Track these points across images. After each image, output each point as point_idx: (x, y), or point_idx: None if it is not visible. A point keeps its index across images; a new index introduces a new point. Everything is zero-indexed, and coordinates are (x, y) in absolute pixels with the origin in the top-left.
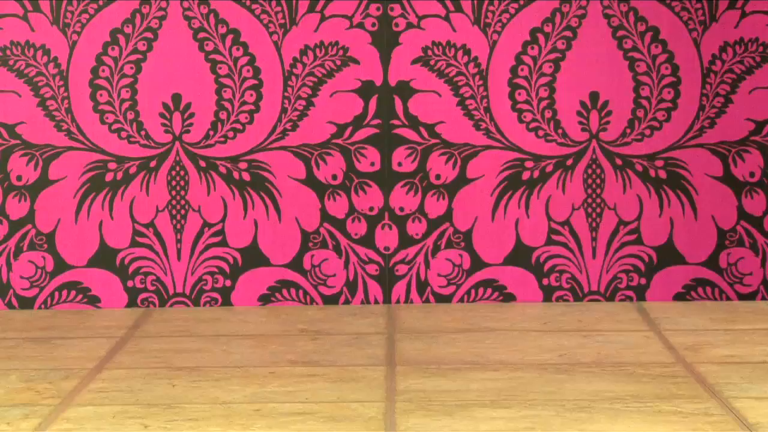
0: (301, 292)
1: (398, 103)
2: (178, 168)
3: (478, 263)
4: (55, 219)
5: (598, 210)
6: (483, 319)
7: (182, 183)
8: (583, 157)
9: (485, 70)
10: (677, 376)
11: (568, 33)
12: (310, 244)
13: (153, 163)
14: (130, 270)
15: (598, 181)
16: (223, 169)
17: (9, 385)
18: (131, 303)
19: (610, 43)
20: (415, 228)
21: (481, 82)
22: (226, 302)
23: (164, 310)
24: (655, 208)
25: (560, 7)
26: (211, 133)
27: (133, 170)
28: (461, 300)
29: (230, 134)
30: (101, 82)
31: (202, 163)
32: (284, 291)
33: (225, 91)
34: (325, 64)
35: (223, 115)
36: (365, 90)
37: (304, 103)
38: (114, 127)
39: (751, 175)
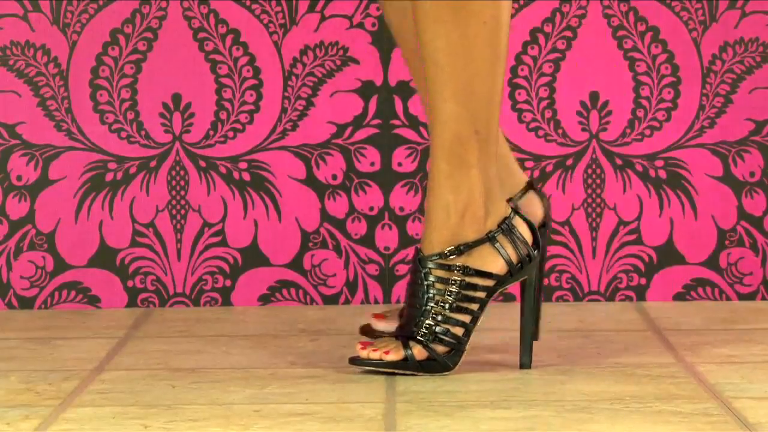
0: (301, 292)
1: (398, 103)
2: (178, 168)
3: None
4: (55, 219)
5: (598, 210)
6: (482, 320)
7: (182, 183)
8: (583, 157)
9: None
10: (677, 376)
11: (568, 33)
12: (310, 244)
13: (153, 163)
14: (130, 270)
15: (598, 181)
16: (223, 169)
17: (9, 386)
18: (131, 303)
19: (610, 43)
20: (415, 228)
21: None
22: (226, 302)
23: (164, 310)
24: (655, 208)
25: (560, 7)
26: (211, 133)
27: (133, 170)
28: None
29: (230, 134)
30: (101, 82)
31: (202, 163)
32: (284, 291)
33: (225, 91)
34: (325, 64)
35: (223, 115)
36: (365, 90)
37: (304, 103)
38: (114, 127)
39: (751, 175)
